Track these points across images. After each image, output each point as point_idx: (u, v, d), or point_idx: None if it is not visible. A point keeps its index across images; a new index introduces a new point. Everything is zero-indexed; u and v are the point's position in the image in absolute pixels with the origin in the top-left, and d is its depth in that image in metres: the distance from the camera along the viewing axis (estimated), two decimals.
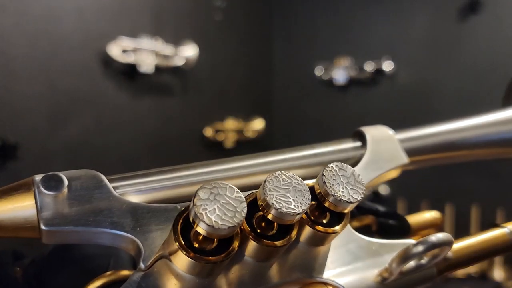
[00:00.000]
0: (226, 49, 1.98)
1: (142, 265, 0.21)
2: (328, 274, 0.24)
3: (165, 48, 1.65)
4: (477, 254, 0.28)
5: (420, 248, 0.23)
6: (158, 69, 1.65)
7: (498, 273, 1.56)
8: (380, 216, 0.34)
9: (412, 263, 0.25)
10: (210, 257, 0.20)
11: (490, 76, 1.75)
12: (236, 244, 0.20)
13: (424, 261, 0.25)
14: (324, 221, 0.23)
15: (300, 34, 2.19)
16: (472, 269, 1.56)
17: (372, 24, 2.00)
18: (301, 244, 0.24)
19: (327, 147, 0.29)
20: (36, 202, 0.20)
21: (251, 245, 0.22)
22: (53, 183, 0.21)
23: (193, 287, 0.21)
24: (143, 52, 1.58)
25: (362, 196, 0.22)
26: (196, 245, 0.20)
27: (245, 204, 0.19)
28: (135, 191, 0.23)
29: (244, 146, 2.04)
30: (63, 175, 0.21)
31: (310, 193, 0.21)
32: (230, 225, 0.18)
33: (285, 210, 0.20)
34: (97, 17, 1.50)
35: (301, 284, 0.23)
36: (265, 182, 0.20)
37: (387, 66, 1.93)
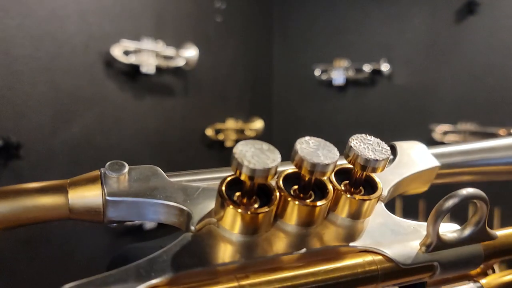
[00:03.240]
0: (227, 51, 1.99)
1: (192, 227, 0.23)
2: (371, 243, 0.24)
3: (167, 50, 1.66)
4: None
5: (451, 201, 0.23)
6: (159, 70, 1.66)
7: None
8: None
9: (454, 234, 0.25)
10: (255, 209, 0.22)
11: (487, 78, 1.76)
12: (276, 198, 0.22)
13: (467, 231, 0.25)
14: (360, 192, 0.25)
15: (299, 35, 2.21)
16: None
17: (370, 26, 2.02)
18: (342, 218, 0.25)
19: None
20: (101, 182, 0.23)
21: (292, 208, 0.23)
22: (116, 167, 0.23)
23: (239, 245, 0.23)
24: (145, 53, 1.59)
25: (388, 155, 0.24)
26: (240, 203, 0.22)
27: (279, 153, 0.21)
28: (186, 181, 0.26)
29: None
30: (125, 163, 0.24)
31: (337, 151, 0.23)
32: (268, 166, 0.20)
33: (317, 161, 0.22)
34: (99, 19, 1.51)
35: (347, 252, 0.24)
36: (296, 143, 0.23)
37: (385, 67, 1.95)
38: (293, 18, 2.20)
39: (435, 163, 0.30)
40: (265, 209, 0.22)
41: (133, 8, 1.61)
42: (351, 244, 0.24)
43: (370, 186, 0.25)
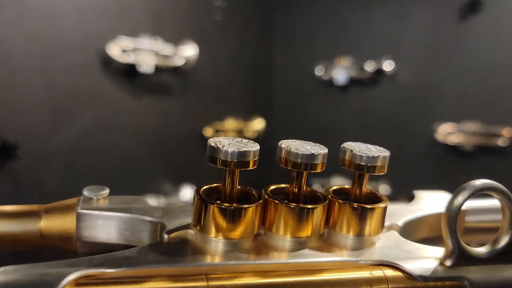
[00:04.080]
0: (226, 49, 1.98)
1: (165, 236, 0.21)
2: (381, 258, 0.21)
3: (165, 48, 1.65)
4: None
5: (460, 197, 0.20)
6: (158, 69, 1.65)
7: None
8: None
9: (484, 247, 0.21)
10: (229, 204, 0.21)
11: (490, 77, 1.74)
12: (258, 197, 0.21)
13: (500, 243, 0.20)
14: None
15: (300, 34, 2.19)
16: None
17: (372, 24, 2.00)
18: (343, 235, 0.22)
19: None
20: (78, 202, 0.22)
21: (280, 213, 0.21)
22: (95, 189, 0.23)
23: (219, 249, 0.21)
24: (143, 52, 1.58)
25: (386, 154, 0.21)
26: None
27: (256, 144, 0.21)
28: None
29: None
30: (104, 187, 0.24)
31: (325, 148, 0.21)
32: (242, 149, 0.20)
33: (303, 152, 0.20)
34: (96, 16, 1.50)
35: (348, 266, 0.21)
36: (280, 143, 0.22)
37: (387, 66, 1.93)
38: (293, 16, 2.19)
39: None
40: (247, 205, 0.20)
41: (131, 6, 1.60)
42: (356, 258, 0.21)
43: (374, 203, 0.22)
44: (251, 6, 2.12)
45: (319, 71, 2.09)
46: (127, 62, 1.55)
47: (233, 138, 0.21)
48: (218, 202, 0.21)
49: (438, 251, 0.22)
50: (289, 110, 2.24)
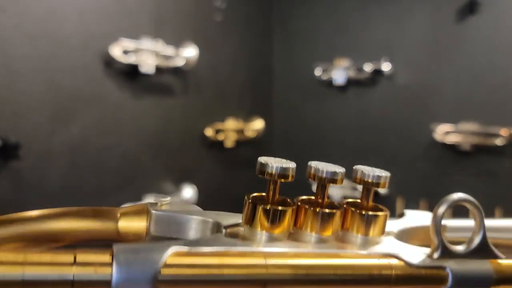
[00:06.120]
0: (227, 50, 1.99)
1: (223, 230, 0.27)
2: (386, 249, 0.28)
3: (166, 49, 1.66)
4: None
5: (441, 208, 0.27)
6: (159, 69, 1.66)
7: None
8: None
9: (461, 248, 0.27)
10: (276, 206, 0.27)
11: (488, 77, 1.76)
12: (292, 203, 0.27)
13: (473, 243, 0.27)
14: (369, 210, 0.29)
15: (299, 35, 2.20)
16: None
17: (371, 26, 2.02)
18: (355, 234, 0.29)
19: None
20: (147, 209, 0.29)
21: (309, 215, 0.28)
22: (159, 196, 0.30)
23: (266, 240, 0.27)
24: (144, 52, 1.59)
25: (388, 175, 0.28)
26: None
27: (293, 163, 0.27)
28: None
29: (244, 146, 2.05)
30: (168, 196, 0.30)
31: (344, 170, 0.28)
32: (288, 166, 0.27)
33: (330, 169, 0.27)
34: (98, 18, 1.51)
35: (363, 256, 0.27)
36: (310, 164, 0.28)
37: (386, 67, 1.94)
38: (293, 17, 2.20)
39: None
40: (286, 207, 0.27)
41: (132, 7, 1.61)
42: (366, 252, 0.27)
43: (378, 211, 0.29)
44: (251, 7, 2.13)
45: (318, 71, 2.11)
46: (128, 63, 1.56)
47: (275, 158, 0.28)
48: (263, 205, 0.27)
49: (426, 250, 0.28)
50: (289, 110, 2.25)
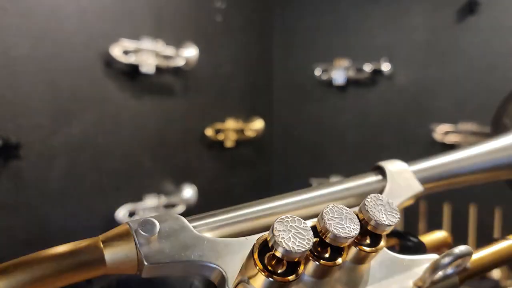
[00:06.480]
0: (227, 50, 1.99)
1: (229, 286, 0.26)
2: (373, 287, 0.29)
3: (166, 49, 1.66)
4: (491, 263, 0.33)
5: (447, 259, 0.29)
6: (159, 69, 1.66)
7: (496, 272, 1.58)
8: (401, 237, 0.39)
9: (440, 273, 0.30)
10: (284, 277, 0.25)
11: (487, 77, 1.76)
12: (302, 266, 0.25)
13: (450, 270, 0.30)
14: (367, 243, 0.28)
15: (300, 35, 2.21)
16: None
17: (371, 26, 2.02)
18: (349, 264, 0.29)
19: (356, 181, 0.35)
20: (135, 244, 0.25)
21: (312, 265, 0.27)
22: (148, 227, 0.25)
23: None
24: (145, 53, 1.59)
25: (398, 219, 0.28)
26: (270, 268, 0.25)
27: (311, 233, 0.24)
28: (209, 229, 0.28)
29: (244, 146, 2.06)
30: (155, 220, 0.26)
31: (358, 220, 0.26)
32: (303, 249, 0.23)
33: (342, 234, 0.25)
34: (99, 18, 1.51)
35: None
36: (323, 213, 0.26)
37: (385, 67, 1.94)
38: (293, 18, 2.20)
39: (419, 188, 0.35)
40: (293, 277, 0.25)
41: (132, 8, 1.61)
42: None
43: (376, 236, 0.29)
44: (250, 8, 2.14)
45: (318, 72, 2.11)
46: (128, 63, 1.57)
47: (293, 227, 0.25)
48: (267, 266, 0.26)
49: (410, 271, 0.31)
50: (289, 110, 2.26)
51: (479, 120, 1.75)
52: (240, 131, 2.00)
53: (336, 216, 0.26)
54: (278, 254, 0.24)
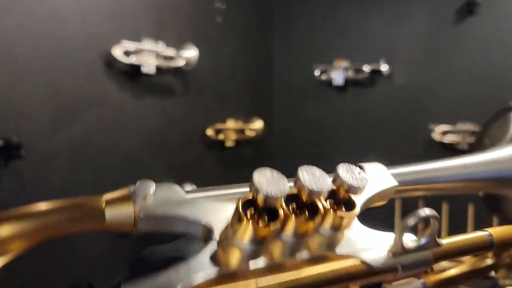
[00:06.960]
0: (227, 51, 2.00)
1: (215, 237, 0.28)
2: (350, 251, 0.31)
3: (167, 50, 1.67)
4: (463, 249, 0.36)
5: (412, 220, 0.30)
6: (160, 70, 1.67)
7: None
8: None
9: (413, 242, 0.32)
10: (265, 224, 0.28)
11: (486, 78, 1.77)
12: (281, 216, 0.28)
13: (422, 240, 0.32)
14: (343, 210, 0.31)
15: (299, 36, 2.22)
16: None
17: (370, 27, 2.03)
18: (327, 230, 0.31)
19: None
20: (133, 200, 0.28)
21: (291, 224, 0.29)
22: (145, 186, 0.29)
23: (249, 251, 0.28)
24: (145, 53, 1.60)
25: (366, 183, 0.31)
26: (253, 220, 0.28)
27: (287, 181, 0.28)
28: (201, 197, 0.31)
29: (244, 146, 2.07)
30: (152, 182, 0.30)
31: (330, 179, 0.29)
32: (280, 194, 0.27)
33: (315, 189, 0.28)
34: (100, 19, 1.52)
35: (332, 257, 0.30)
36: (297, 173, 0.29)
37: (384, 67, 1.95)
38: (293, 18, 2.21)
39: (394, 182, 0.37)
40: (275, 225, 0.28)
41: (133, 8, 1.62)
42: (337, 252, 0.31)
43: (349, 204, 0.31)
44: (251, 8, 2.14)
45: (317, 72, 2.12)
46: (129, 63, 1.57)
47: (267, 173, 0.28)
48: (250, 218, 0.28)
49: (383, 241, 0.33)
50: (289, 110, 2.27)
51: (478, 120, 1.76)
52: (240, 131, 2.01)
53: (311, 176, 0.29)
54: (260, 200, 0.27)
